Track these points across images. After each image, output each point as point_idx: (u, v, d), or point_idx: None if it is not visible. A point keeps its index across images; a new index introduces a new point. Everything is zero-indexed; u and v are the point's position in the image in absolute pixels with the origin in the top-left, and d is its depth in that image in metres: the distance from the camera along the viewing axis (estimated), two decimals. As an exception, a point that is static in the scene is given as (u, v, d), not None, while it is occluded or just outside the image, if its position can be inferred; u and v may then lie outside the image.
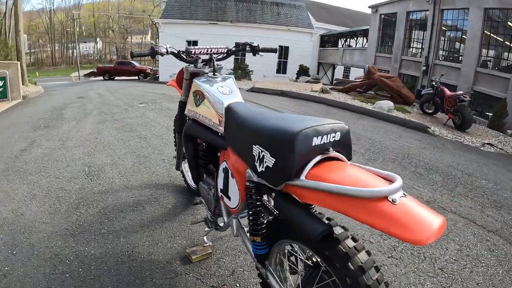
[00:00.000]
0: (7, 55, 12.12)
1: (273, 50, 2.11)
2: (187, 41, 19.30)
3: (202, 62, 1.82)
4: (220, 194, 1.60)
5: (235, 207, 1.46)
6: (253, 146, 1.16)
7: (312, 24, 22.38)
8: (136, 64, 22.81)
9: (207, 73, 1.80)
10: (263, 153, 1.12)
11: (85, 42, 49.11)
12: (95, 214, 2.58)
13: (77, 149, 4.31)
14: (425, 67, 12.81)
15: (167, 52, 1.79)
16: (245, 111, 1.37)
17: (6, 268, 1.93)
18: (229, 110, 1.44)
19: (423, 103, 8.30)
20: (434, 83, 7.95)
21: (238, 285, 1.78)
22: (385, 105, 7.80)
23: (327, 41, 24.48)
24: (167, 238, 2.23)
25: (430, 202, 3.04)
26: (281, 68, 21.61)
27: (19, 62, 10.46)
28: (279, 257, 1.34)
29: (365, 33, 18.40)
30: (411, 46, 14.61)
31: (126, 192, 3.00)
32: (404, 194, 0.87)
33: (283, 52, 21.57)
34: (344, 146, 1.11)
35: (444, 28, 12.81)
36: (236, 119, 1.35)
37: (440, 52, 12.99)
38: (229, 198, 1.50)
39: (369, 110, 7.54)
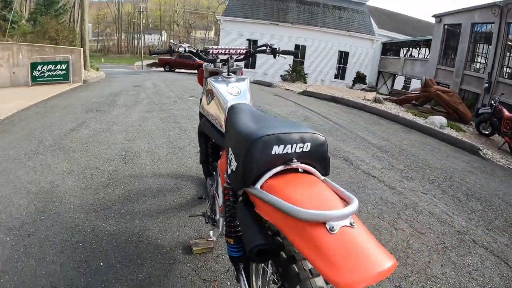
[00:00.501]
0: (72, 41, 13.98)
1: (293, 53, 2.18)
2: (247, 39, 20.36)
3: (221, 62, 1.94)
4: (215, 191, 1.71)
5: (221, 206, 1.55)
6: (229, 148, 1.23)
7: (374, 30, 22.45)
8: (197, 58, 24.34)
9: (223, 70, 1.92)
10: (231, 156, 1.17)
11: (150, 34, 54.36)
12: (120, 195, 2.88)
13: (120, 134, 4.80)
14: (487, 84, 12.00)
15: (185, 51, 1.99)
16: (240, 113, 1.40)
17: (32, 230, 2.28)
18: (230, 110, 1.49)
19: (479, 122, 7.96)
20: (493, 102, 7.82)
21: (229, 283, 1.85)
22: (437, 120, 7.37)
23: (389, 49, 24.17)
24: (177, 227, 2.39)
25: (461, 232, 2.74)
26: (340, 73, 22.14)
27: (82, 49, 12.07)
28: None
29: (427, 44, 18.37)
30: (475, 60, 13.92)
31: (153, 179, 3.27)
32: (351, 223, 0.80)
33: (343, 57, 21.81)
34: (317, 159, 1.09)
35: (510, 43, 11.75)
36: (231, 120, 1.39)
37: (505, 69, 11.96)
38: (218, 196, 1.59)
39: (420, 125, 7.14)
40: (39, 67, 10.96)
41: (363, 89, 15.03)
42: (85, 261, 1.97)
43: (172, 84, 11.54)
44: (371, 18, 22.91)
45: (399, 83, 24.34)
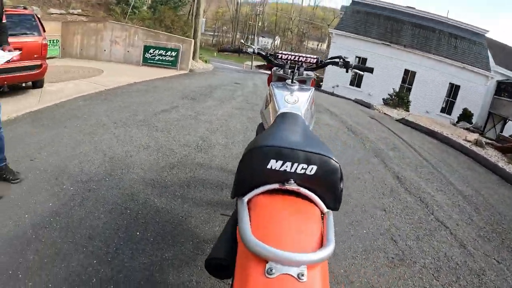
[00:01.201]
0: (186, 32, 16.00)
1: (369, 70, 2.08)
2: (356, 57, 20.54)
3: (290, 69, 1.99)
4: None
5: None
6: None
7: (490, 66, 20.62)
8: (266, 61, 25.69)
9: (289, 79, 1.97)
10: None
11: (264, 37, 58.65)
12: (181, 179, 3.18)
13: (204, 124, 5.27)
14: None
15: (253, 52, 2.12)
16: (282, 121, 1.40)
17: (94, 187, 2.73)
18: (278, 117, 1.52)
19: None
20: None
21: None
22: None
23: (504, 89, 21.43)
24: (219, 223, 2.51)
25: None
26: (447, 107, 21.52)
27: (193, 40, 13.82)
28: None
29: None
30: None
31: (217, 171, 3.51)
32: (299, 275, 0.72)
33: (453, 91, 20.88)
34: (324, 186, 1.01)
35: None
36: (270, 126, 1.42)
37: None
38: None
39: (518, 180, 5.78)
40: (151, 50, 12.96)
41: (467, 129, 13.54)
42: (125, 227, 2.25)
43: (265, 90, 12.06)
44: (488, 52, 21.17)
45: (509, 130, 21.10)
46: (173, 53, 12.95)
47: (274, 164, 0.98)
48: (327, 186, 1.01)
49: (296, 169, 0.97)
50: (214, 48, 55.11)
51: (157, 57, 13.08)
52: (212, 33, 62.55)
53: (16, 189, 2.66)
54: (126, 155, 3.56)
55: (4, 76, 5.26)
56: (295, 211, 0.96)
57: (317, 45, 53.53)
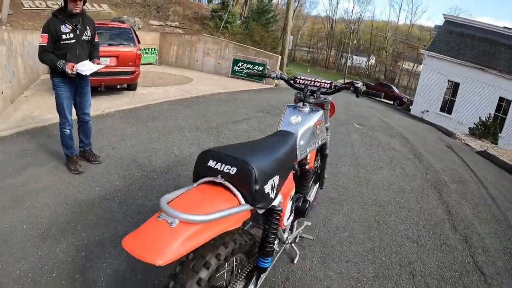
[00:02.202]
0: (274, 48, 16.75)
1: (378, 95, 2.27)
2: (448, 80, 18.82)
3: (308, 91, 2.28)
4: None
5: None
6: None
7: None
8: (395, 89, 24.79)
9: (310, 102, 2.25)
10: None
11: (358, 55, 57.50)
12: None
13: (257, 132, 5.62)
14: None
15: (276, 77, 2.48)
16: (273, 136, 1.85)
17: (154, 176, 3.25)
18: (274, 133, 1.91)
19: None
20: None
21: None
22: None
23: None
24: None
25: None
26: None
27: (280, 56, 14.36)
28: None
29: None
30: None
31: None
32: (171, 223, 1.10)
33: None
34: (241, 184, 1.35)
35: None
36: None
37: None
38: None
39: None
40: (239, 64, 13.93)
41: None
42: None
43: (350, 109, 11.86)
44: None
45: None
46: (260, 68, 13.70)
47: (211, 164, 1.40)
48: (243, 184, 1.35)
49: (223, 168, 1.37)
50: (308, 64, 56.04)
51: (244, 71, 13.98)
52: (307, 49, 63.59)
53: (95, 168, 3.46)
54: (190, 155, 4.11)
55: (102, 78, 6.41)
56: (213, 194, 1.34)
57: (413, 66, 50.61)
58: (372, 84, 26.28)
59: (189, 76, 11.93)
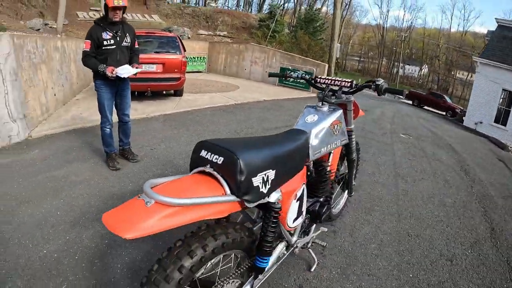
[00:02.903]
0: (321, 57, 16.53)
1: (399, 92, 2.11)
2: (503, 89, 17.00)
3: (329, 91, 2.24)
4: None
5: None
6: None
7: None
8: (448, 99, 23.20)
9: (331, 101, 2.22)
10: None
11: (409, 64, 55.02)
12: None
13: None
14: None
15: (297, 77, 2.44)
16: (285, 133, 1.86)
17: (167, 172, 3.31)
18: (286, 131, 1.92)
19: None
20: None
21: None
22: None
23: None
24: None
25: None
26: None
27: (327, 65, 14.11)
28: None
29: None
30: None
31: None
32: (147, 202, 1.14)
33: None
34: (227, 174, 1.34)
35: None
36: None
37: None
38: None
39: None
40: (286, 72, 13.86)
41: None
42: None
43: (399, 118, 11.31)
44: None
45: None
46: (307, 76, 13.60)
47: (203, 153, 1.41)
48: (229, 174, 1.34)
49: (212, 158, 1.37)
50: (359, 73, 54.81)
51: (291, 79, 13.95)
52: (358, 59, 62.20)
53: (132, 166, 3.64)
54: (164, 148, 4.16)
55: (148, 83, 6.72)
56: (201, 182, 1.34)
57: (467, 76, 47.35)
58: (424, 93, 24.98)
59: (236, 83, 12.16)
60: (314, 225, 2.24)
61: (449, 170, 5.18)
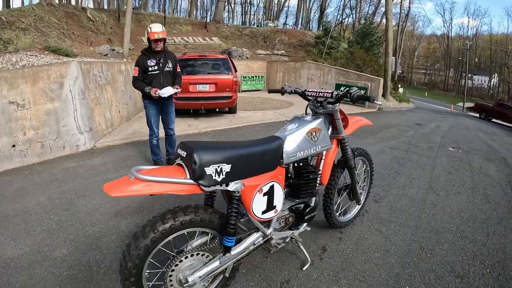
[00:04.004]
0: (377, 71, 15.96)
1: (367, 98, 2.26)
2: None
3: (317, 103, 2.45)
4: None
5: None
6: None
7: None
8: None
9: (319, 111, 2.43)
10: None
11: (477, 74, 50.01)
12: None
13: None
14: None
15: (291, 91, 2.65)
16: (256, 139, 2.09)
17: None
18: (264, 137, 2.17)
19: None
20: None
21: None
22: None
23: None
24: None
25: None
26: None
27: (382, 79, 13.64)
28: None
29: None
30: None
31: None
32: (129, 177, 1.57)
33: None
34: (187, 163, 1.70)
35: None
36: None
37: None
38: None
39: None
40: (342, 88, 13.49)
41: None
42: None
43: (456, 132, 10.48)
44: None
45: None
46: (362, 92, 13.27)
47: (179, 150, 1.77)
48: (188, 164, 1.69)
49: (182, 153, 1.73)
50: (426, 87, 51.64)
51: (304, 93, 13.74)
52: (424, 71, 58.57)
53: None
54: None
55: (202, 102, 7.30)
56: (173, 170, 1.73)
57: None
58: (491, 105, 22.64)
59: (291, 101, 12.37)
60: (305, 224, 2.43)
61: (493, 185, 4.82)
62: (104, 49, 12.93)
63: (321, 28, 22.75)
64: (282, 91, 2.78)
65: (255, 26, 30.52)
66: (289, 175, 2.29)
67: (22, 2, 32.27)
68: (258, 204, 1.99)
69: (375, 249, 2.81)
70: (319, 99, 2.46)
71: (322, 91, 2.47)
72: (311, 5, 44.89)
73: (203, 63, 8.12)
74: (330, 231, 3.06)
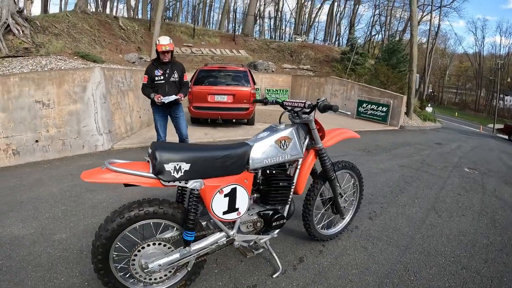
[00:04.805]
0: (401, 88, 15.50)
1: (330, 107, 2.32)
2: None
3: (294, 112, 2.52)
4: None
5: None
6: None
7: None
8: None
9: (295, 121, 2.52)
10: None
11: (507, 94, 47.19)
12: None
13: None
14: None
15: (272, 102, 2.76)
16: (224, 144, 2.19)
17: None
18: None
19: None
20: None
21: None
22: None
23: None
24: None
25: None
26: None
27: (405, 96, 13.29)
28: None
29: None
30: None
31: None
32: (103, 167, 1.79)
33: None
34: (151, 160, 1.86)
35: None
36: None
37: None
38: None
39: None
40: (364, 105, 13.53)
41: None
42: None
43: (476, 153, 9.86)
44: None
45: None
46: (384, 109, 13.02)
47: (149, 149, 1.93)
48: (152, 160, 1.86)
49: (149, 151, 1.91)
50: (456, 107, 49.64)
51: (369, 112, 13.49)
52: (455, 91, 56.25)
53: None
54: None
55: (219, 112, 7.44)
56: (142, 165, 1.90)
57: None
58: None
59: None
60: (279, 229, 2.46)
61: (504, 209, 4.54)
62: (132, 57, 13.23)
63: (347, 44, 22.61)
64: (264, 101, 2.84)
65: (283, 40, 30.74)
66: (258, 181, 2.33)
67: (60, 8, 33.87)
68: (218, 204, 2.06)
69: (355, 266, 2.73)
70: (295, 109, 2.51)
71: (298, 101, 2.51)
72: (341, 20, 44.68)
73: (223, 74, 8.31)
74: (313, 243, 3.02)
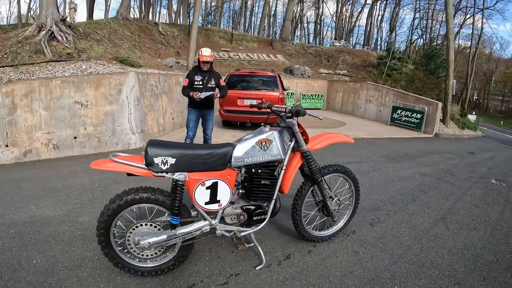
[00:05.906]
0: (438, 94, 14.70)
1: (301, 112, 2.51)
2: None
3: (281, 118, 2.71)
4: None
5: None
6: None
7: None
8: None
9: (281, 124, 2.73)
10: None
11: None
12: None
13: (365, 179, 5.46)
14: None
15: (265, 106, 2.91)
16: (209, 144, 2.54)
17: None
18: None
19: None
20: None
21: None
22: None
23: None
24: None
25: None
26: None
27: (440, 103, 12.51)
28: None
29: None
30: None
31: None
32: (108, 158, 2.16)
33: None
34: (145, 154, 2.18)
35: None
36: None
37: None
38: None
39: None
40: (398, 111, 13.06)
41: None
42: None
43: (509, 164, 9.12)
44: None
45: None
46: (418, 115, 12.48)
47: (144, 145, 2.34)
48: (145, 154, 2.19)
49: (144, 148, 2.23)
50: (502, 115, 45.76)
51: (403, 118, 12.99)
52: (501, 98, 51.80)
53: None
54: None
55: (248, 116, 7.68)
56: (138, 157, 2.25)
57: None
58: None
59: (344, 121, 12.15)
60: (262, 224, 2.63)
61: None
62: (170, 62, 13.65)
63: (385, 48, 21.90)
64: (258, 106, 3.03)
65: (322, 45, 30.37)
66: (242, 178, 2.57)
67: (105, 15, 35.81)
68: (200, 195, 2.33)
69: (339, 268, 2.75)
70: (281, 114, 2.69)
71: (283, 106, 2.71)
72: (381, 24, 43.10)
73: (253, 79, 8.54)
74: (304, 243, 3.12)
